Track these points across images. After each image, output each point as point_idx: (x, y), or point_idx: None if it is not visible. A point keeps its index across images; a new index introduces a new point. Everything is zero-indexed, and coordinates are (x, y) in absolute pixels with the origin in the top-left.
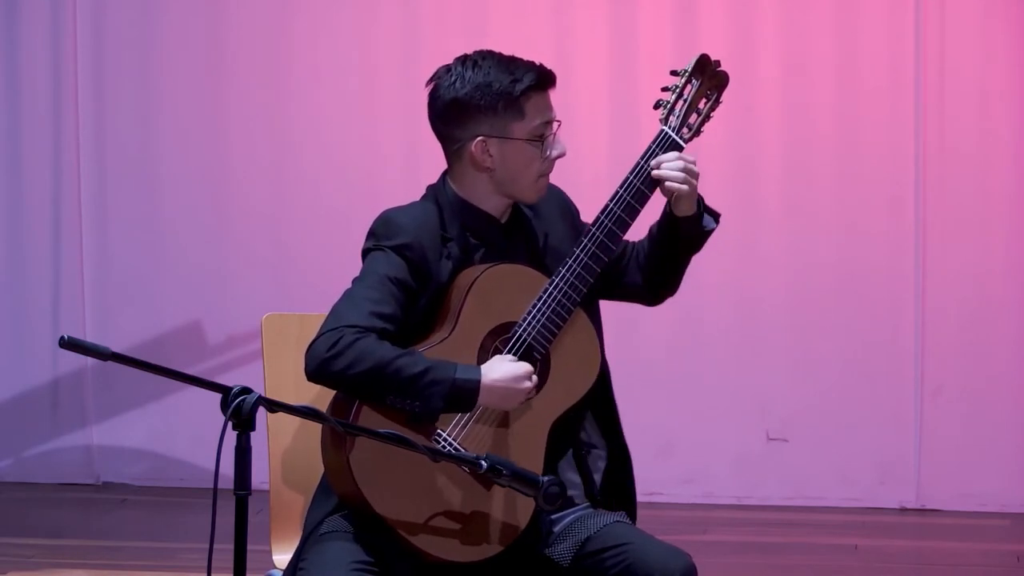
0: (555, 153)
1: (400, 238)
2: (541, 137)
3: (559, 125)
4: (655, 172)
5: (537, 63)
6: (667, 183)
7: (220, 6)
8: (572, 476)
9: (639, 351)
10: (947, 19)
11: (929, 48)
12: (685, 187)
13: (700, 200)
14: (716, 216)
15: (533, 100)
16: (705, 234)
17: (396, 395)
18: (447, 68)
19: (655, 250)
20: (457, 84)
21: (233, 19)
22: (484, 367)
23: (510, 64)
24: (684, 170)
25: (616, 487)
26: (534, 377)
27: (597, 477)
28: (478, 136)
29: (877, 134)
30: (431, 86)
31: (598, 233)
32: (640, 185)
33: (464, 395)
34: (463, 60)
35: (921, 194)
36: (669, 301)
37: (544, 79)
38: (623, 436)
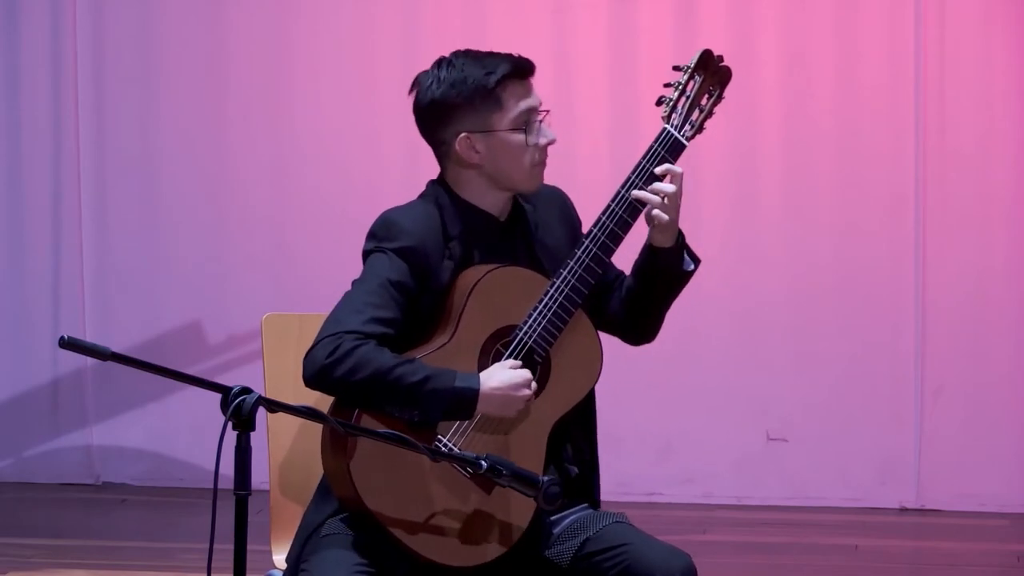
0: (543, 140)
1: (402, 240)
2: (525, 125)
3: (547, 113)
4: (635, 193)
5: (514, 54)
6: (649, 209)
7: (220, 6)
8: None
9: (639, 351)
10: (947, 19)
11: (929, 48)
12: (665, 216)
13: (682, 236)
14: (696, 260)
15: (510, 89)
16: (684, 275)
17: (395, 404)
18: (425, 73)
19: (634, 284)
20: (433, 86)
21: (233, 19)
22: (483, 375)
23: (484, 58)
24: (667, 196)
25: (581, 493)
26: (533, 384)
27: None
28: (461, 133)
29: (877, 134)
30: (413, 93)
31: (599, 234)
32: (642, 185)
33: (463, 404)
34: (439, 63)
35: (921, 194)
36: None
37: (519, 68)
38: (596, 444)
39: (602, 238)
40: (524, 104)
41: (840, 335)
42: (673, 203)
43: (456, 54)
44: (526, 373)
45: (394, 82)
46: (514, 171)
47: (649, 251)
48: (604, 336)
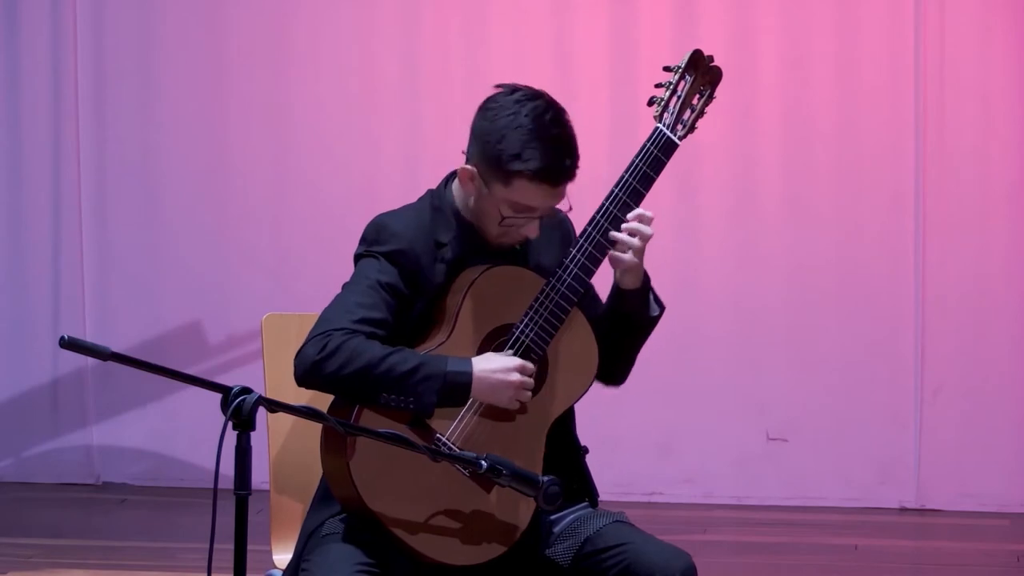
0: (516, 232)
1: (392, 244)
2: (512, 213)
3: (569, 209)
4: (613, 235)
5: (563, 156)
6: (613, 252)
7: (220, 6)
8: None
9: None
10: (947, 19)
11: (929, 48)
12: (627, 257)
13: (647, 278)
14: (661, 306)
15: (522, 184)
16: (649, 320)
17: (389, 393)
18: (507, 92)
19: (604, 327)
20: (488, 115)
21: (233, 19)
22: (475, 360)
23: (534, 135)
24: (635, 234)
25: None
26: (528, 366)
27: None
28: (473, 164)
29: (877, 134)
30: (492, 93)
31: (594, 233)
32: (635, 184)
33: (457, 388)
34: (521, 98)
35: (921, 194)
36: (670, 298)
37: (543, 175)
38: (575, 445)
39: (597, 237)
40: (528, 202)
41: (840, 335)
42: (637, 246)
43: (529, 107)
44: (518, 359)
45: (394, 82)
46: (484, 223)
47: (616, 294)
48: None
